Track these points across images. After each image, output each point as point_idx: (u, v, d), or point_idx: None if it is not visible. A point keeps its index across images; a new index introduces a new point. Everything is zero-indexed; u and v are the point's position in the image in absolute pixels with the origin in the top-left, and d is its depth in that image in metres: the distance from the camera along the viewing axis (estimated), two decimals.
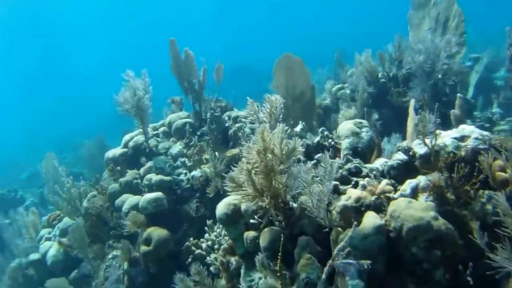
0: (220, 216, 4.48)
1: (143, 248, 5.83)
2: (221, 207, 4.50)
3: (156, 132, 8.11)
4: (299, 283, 3.62)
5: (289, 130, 4.01)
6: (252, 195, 3.89)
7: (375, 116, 8.34)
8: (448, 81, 7.84)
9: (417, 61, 7.77)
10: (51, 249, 7.98)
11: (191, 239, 5.85)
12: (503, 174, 3.83)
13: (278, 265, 3.50)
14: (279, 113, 4.68)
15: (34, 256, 8.26)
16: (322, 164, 3.73)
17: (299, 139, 4.06)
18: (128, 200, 6.40)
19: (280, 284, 3.31)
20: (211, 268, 5.20)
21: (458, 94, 6.79)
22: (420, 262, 3.61)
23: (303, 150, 4.37)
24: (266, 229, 4.03)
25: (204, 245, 5.60)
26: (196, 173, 6.50)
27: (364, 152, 4.98)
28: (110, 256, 6.25)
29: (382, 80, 8.75)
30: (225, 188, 4.03)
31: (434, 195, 3.93)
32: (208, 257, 5.37)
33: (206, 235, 5.70)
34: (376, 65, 9.01)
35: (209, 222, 5.77)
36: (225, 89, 8.91)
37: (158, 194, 6.29)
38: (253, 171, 3.84)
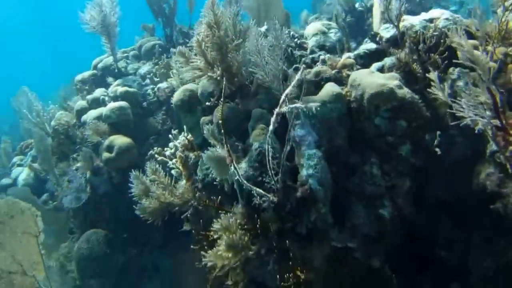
0: (176, 102, 4.27)
1: (105, 155, 5.59)
2: (177, 94, 4.28)
3: (126, 55, 7.82)
4: (251, 153, 3.43)
5: None
6: (203, 68, 3.66)
7: (353, 45, 8.08)
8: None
9: None
10: (22, 173, 7.94)
11: (155, 148, 5.63)
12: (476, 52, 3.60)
13: (222, 131, 3.28)
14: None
15: (5, 181, 8.25)
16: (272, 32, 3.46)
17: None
18: (93, 112, 6.15)
19: (228, 152, 3.08)
20: (173, 172, 5.01)
21: None
22: (384, 135, 3.41)
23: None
24: (219, 106, 3.81)
25: (168, 153, 5.38)
26: (162, 84, 6.25)
27: (331, 51, 4.73)
28: (73, 168, 6.02)
29: (360, 9, 8.47)
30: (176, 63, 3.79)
31: (402, 73, 3.71)
32: (170, 162, 5.17)
33: (170, 144, 5.48)
34: None
35: (174, 131, 5.55)
36: None
37: (122, 102, 6.02)
38: (203, 43, 3.60)
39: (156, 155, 5.50)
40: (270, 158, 2.96)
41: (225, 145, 2.86)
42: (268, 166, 3.03)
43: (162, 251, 5.99)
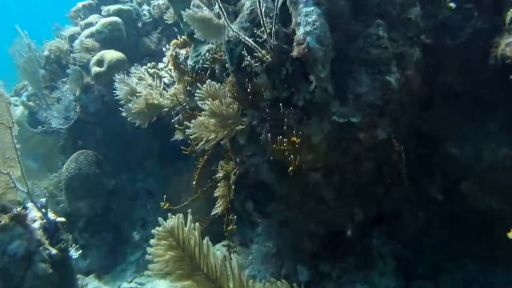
0: None
1: (95, 69, 5.24)
2: None
3: None
4: (243, 13, 3.09)
5: None
6: None
7: None
8: None
9: None
10: (16, 112, 7.55)
11: (148, 63, 5.30)
12: None
13: None
14: None
15: None
16: None
17: None
18: (85, 32, 5.80)
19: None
20: (165, 80, 4.70)
21: None
22: None
23: None
24: None
25: (161, 65, 5.07)
26: (158, 1, 5.89)
27: None
28: (63, 89, 5.68)
29: None
30: None
31: None
32: (161, 72, 4.85)
33: (164, 58, 5.16)
34: None
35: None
36: None
37: (115, 17, 5.65)
38: None
39: (149, 69, 5.19)
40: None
41: None
42: (259, 11, 2.66)
43: (156, 177, 5.68)
